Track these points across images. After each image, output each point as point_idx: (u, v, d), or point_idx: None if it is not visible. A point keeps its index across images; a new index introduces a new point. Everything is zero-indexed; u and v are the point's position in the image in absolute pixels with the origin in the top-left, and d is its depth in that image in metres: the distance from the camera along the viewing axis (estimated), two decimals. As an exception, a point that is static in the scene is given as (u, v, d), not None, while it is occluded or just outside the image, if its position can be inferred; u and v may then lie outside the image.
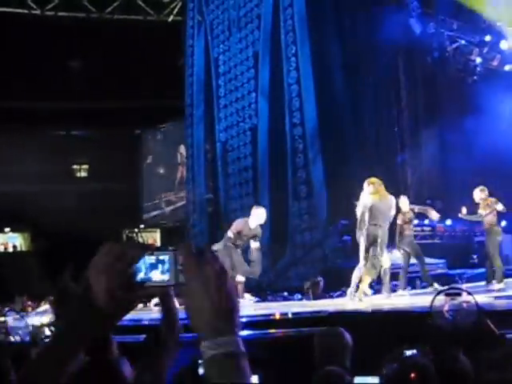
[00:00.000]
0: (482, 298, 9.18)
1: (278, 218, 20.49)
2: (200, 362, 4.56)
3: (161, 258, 1.79)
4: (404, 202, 15.08)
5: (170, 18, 29.98)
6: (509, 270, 18.04)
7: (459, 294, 6.35)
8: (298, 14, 20.15)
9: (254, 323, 9.57)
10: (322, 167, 19.33)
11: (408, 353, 4.84)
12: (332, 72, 19.68)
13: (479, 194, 14.77)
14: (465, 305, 6.27)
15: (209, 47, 25.01)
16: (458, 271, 17.57)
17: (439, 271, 18.11)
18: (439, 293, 6.61)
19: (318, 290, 16.07)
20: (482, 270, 18.13)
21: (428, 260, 18.80)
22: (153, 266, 1.79)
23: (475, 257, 19.46)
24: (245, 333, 8.60)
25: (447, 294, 6.35)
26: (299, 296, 16.55)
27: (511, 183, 20.75)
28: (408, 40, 20.67)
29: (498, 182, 20.98)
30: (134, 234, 29.71)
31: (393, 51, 20.77)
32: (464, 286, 14.55)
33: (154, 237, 31.40)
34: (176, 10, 29.88)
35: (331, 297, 15.62)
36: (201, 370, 4.64)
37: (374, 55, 19.84)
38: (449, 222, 20.21)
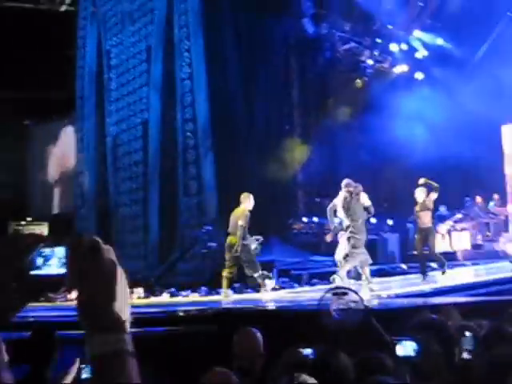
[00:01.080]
0: (367, 297, 9.35)
1: (168, 213, 20.41)
2: (83, 366, 4.46)
3: (56, 250, 1.73)
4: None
5: (63, 8, 29.35)
6: (393, 268, 18.51)
7: (346, 293, 6.41)
8: (192, 10, 20.05)
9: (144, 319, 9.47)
10: (213, 163, 19.30)
11: (304, 352, 4.87)
12: (225, 68, 19.68)
13: (423, 194, 14.81)
14: (352, 304, 6.34)
15: (101, 39, 24.63)
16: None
17: (331, 268, 18.35)
18: (327, 291, 6.67)
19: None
20: (376, 266, 18.55)
21: (319, 258, 19.09)
22: (48, 259, 1.73)
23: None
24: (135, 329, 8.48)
25: (335, 293, 6.41)
26: (188, 292, 16.53)
27: (401, 180, 21.25)
28: (301, 40, 20.88)
29: (387, 179, 21.47)
30: (21, 228, 29.04)
31: (286, 50, 20.94)
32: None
33: (42, 230, 30.75)
34: (68, -1, 29.35)
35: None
36: (84, 374, 4.54)
37: (268, 53, 19.94)
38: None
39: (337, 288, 7.04)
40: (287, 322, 7.52)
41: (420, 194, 14.70)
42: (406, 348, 3.58)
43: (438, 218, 19.78)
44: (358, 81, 22.21)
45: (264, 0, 19.63)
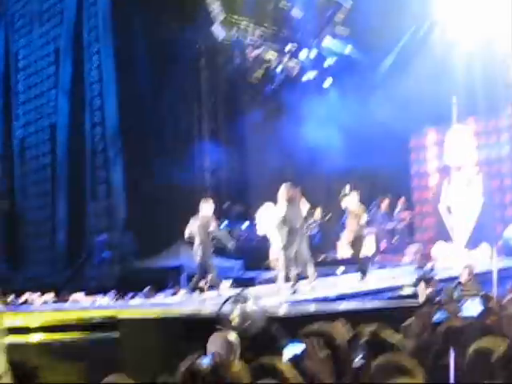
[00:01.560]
0: (271, 303, 9.46)
1: (76, 217, 20.22)
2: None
3: None
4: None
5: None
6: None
7: (247, 300, 6.50)
8: (102, 13, 19.89)
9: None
10: (122, 168, 19.19)
11: (202, 360, 4.88)
12: (135, 72, 19.58)
13: (356, 198, 14.92)
14: (254, 310, 6.43)
15: (9, 41, 24.19)
16: (253, 273, 17.93)
17: (235, 273, 18.44)
18: (229, 298, 6.74)
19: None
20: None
21: (224, 262, 19.13)
22: None
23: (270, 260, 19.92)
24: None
25: (236, 300, 6.48)
26: (101, 296, 16.43)
27: (309, 186, 21.46)
28: (211, 45, 20.91)
29: (296, 184, 21.66)
30: None
31: (196, 56, 20.95)
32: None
33: None
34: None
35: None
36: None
37: (178, 58, 19.91)
38: (246, 224, 20.63)
39: (238, 295, 7.13)
40: (189, 328, 7.56)
41: (354, 199, 14.94)
42: (293, 351, 3.68)
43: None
44: (267, 86, 22.33)
45: (174, 4, 19.56)
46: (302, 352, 3.61)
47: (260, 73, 21.76)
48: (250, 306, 6.49)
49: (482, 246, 17.62)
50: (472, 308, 4.65)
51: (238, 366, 3.94)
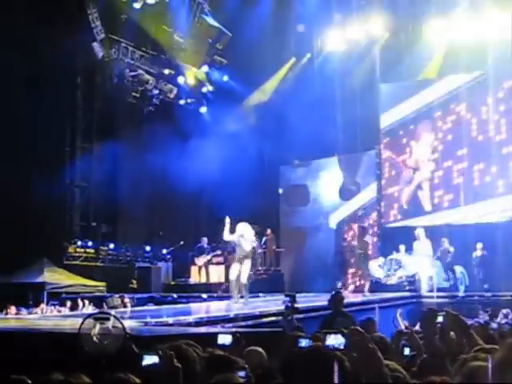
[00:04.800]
0: (131, 323, 9.47)
1: None
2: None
3: None
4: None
5: None
6: (164, 296, 18.68)
7: (108, 319, 6.51)
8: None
9: None
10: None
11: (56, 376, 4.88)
12: (10, 85, 19.08)
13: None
14: (113, 329, 6.44)
15: None
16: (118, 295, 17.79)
17: (99, 294, 18.31)
18: (89, 316, 6.74)
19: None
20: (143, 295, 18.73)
21: (89, 282, 18.95)
22: None
23: (135, 282, 19.90)
24: None
25: (96, 318, 6.48)
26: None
27: (177, 210, 21.55)
28: (89, 62, 20.75)
29: (164, 208, 21.69)
30: None
31: (73, 71, 20.69)
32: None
33: None
34: None
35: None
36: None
37: (55, 73, 19.57)
38: (112, 245, 20.52)
39: (99, 313, 7.14)
40: (49, 344, 7.48)
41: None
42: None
43: (198, 250, 20.09)
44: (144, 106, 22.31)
45: (56, 14, 19.21)
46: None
47: (137, 93, 21.75)
48: (111, 325, 6.50)
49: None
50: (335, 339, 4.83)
51: (84, 378, 4.02)
